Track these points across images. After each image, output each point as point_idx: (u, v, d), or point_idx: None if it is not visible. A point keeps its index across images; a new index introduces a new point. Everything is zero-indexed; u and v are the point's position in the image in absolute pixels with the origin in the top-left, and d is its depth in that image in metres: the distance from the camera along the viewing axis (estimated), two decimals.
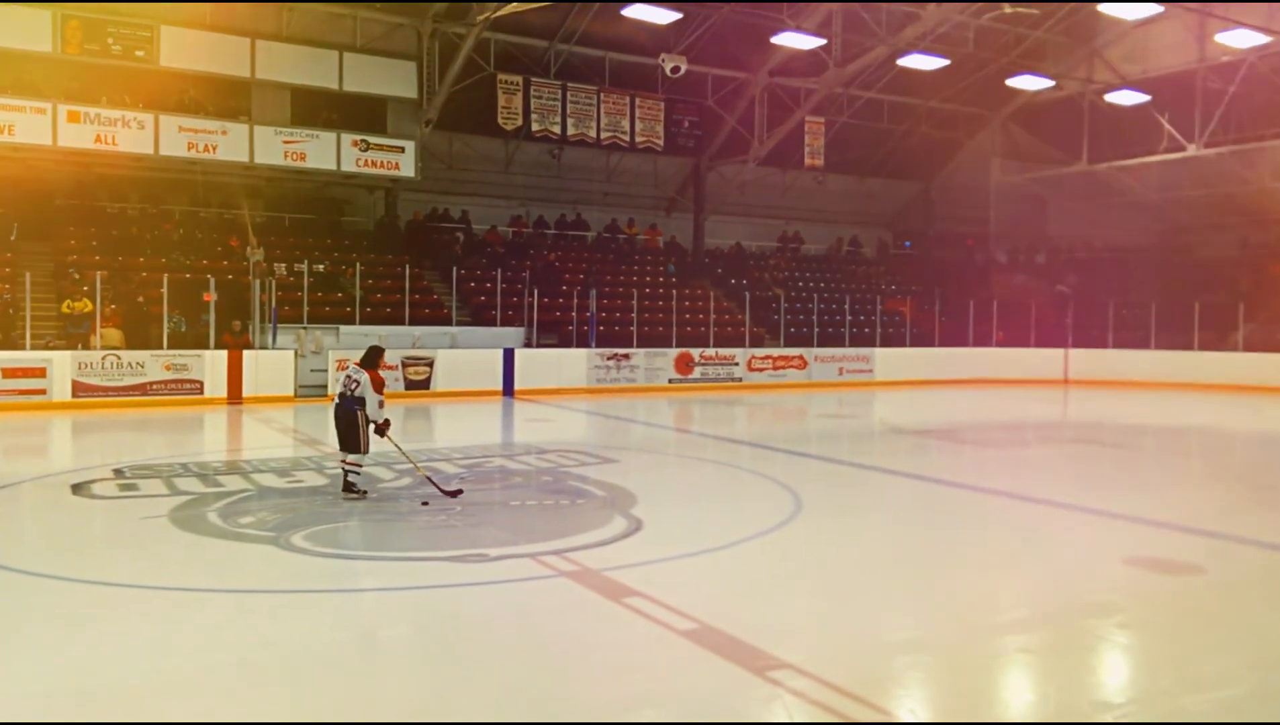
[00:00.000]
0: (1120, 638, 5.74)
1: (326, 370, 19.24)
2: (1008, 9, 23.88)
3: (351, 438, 9.11)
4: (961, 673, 5.13)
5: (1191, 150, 26.13)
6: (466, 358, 21.05)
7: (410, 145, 22.88)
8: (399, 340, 20.23)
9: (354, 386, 9.10)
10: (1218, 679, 4.99)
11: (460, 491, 9.30)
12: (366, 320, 21.00)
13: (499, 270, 23.34)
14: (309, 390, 19.22)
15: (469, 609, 6.14)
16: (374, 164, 22.58)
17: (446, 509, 8.80)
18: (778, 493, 10.03)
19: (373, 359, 9.29)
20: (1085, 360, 27.32)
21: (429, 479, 9.48)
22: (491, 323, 22.63)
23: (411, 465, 9.82)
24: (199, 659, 5.10)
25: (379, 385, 9.10)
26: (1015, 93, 28.94)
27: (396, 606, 6.25)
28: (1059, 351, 27.78)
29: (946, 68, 25.41)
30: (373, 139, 22.55)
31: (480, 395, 20.38)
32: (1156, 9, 21.27)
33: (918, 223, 34.67)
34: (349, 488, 9.17)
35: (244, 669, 4.98)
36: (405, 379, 19.77)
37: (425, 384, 20.10)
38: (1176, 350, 26.15)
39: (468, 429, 16.49)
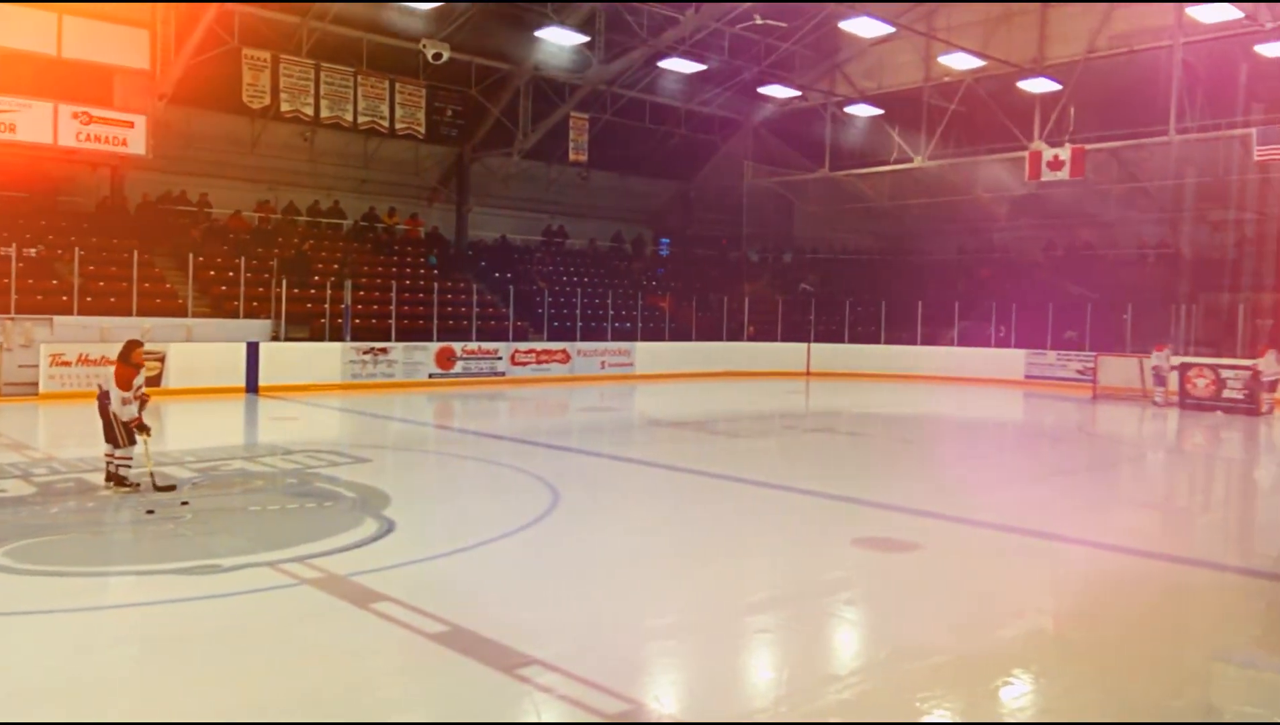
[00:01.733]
0: (848, 613, 6.18)
1: (38, 366, 17.24)
2: (759, 20, 25.17)
3: (110, 431, 9.06)
4: (705, 657, 5.32)
5: (917, 162, 28.67)
6: (204, 352, 19.52)
7: (140, 120, 20.85)
8: (126, 332, 18.32)
9: (106, 380, 9.10)
10: (929, 648, 5.46)
11: (174, 486, 9.09)
12: (87, 310, 19.00)
13: (243, 258, 21.82)
14: (16, 388, 17.14)
15: (200, 625, 5.66)
16: (98, 139, 20.40)
17: (175, 517, 8.10)
18: (536, 488, 10.01)
19: (123, 353, 9.23)
20: (825, 354, 29.37)
21: (151, 475, 9.05)
22: (234, 314, 21.12)
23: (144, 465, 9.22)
24: None
25: (124, 380, 8.95)
26: (766, 100, 30.55)
27: (117, 627, 5.67)
28: (803, 346, 29.68)
29: (704, 72, 26.41)
30: (96, 111, 20.36)
31: (220, 392, 18.97)
32: (888, 29, 23.08)
33: (677, 221, 35.87)
34: (120, 481, 9.03)
35: None
36: None
37: (156, 381, 18.41)
38: (902, 345, 28.70)
39: (204, 429, 15.29)
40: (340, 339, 21.78)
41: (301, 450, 12.21)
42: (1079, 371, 24.74)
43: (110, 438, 9.08)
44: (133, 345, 9.29)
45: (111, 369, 9.00)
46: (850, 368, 28.47)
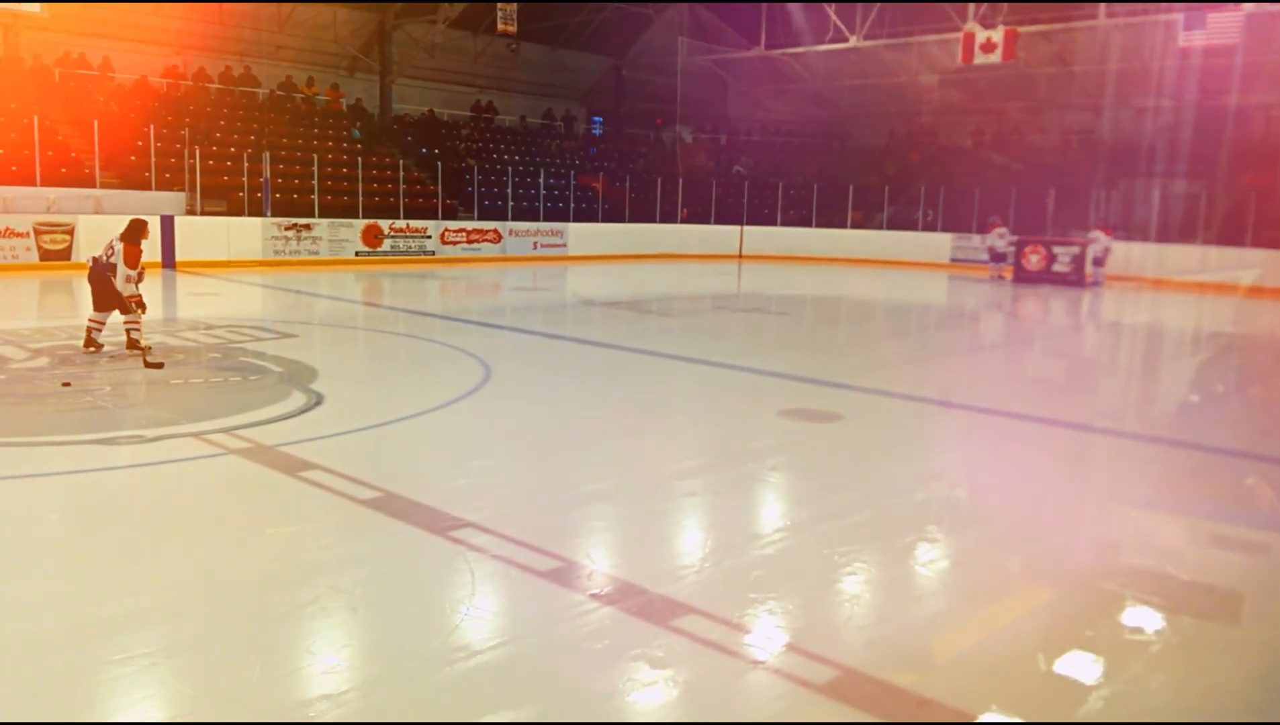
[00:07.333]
0: (773, 478, 6.38)
1: None
2: None
3: (105, 297, 9.42)
4: (636, 519, 5.47)
5: (853, 42, 28.29)
6: (115, 225, 18.47)
7: None
8: (30, 203, 17.57)
9: (110, 253, 9.42)
10: (847, 509, 5.70)
11: (162, 364, 9.05)
12: None
13: (152, 126, 20.75)
14: None
15: (124, 492, 5.62)
16: None
17: (92, 390, 7.91)
18: (468, 363, 9.99)
19: (131, 233, 9.50)
20: (757, 237, 29.43)
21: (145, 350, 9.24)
22: (145, 186, 20.21)
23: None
24: None
25: (132, 258, 9.37)
26: None
27: (40, 493, 5.57)
28: (735, 228, 29.67)
29: None
30: None
31: None
32: None
33: (610, 99, 35.03)
34: (134, 344, 9.40)
35: None
36: (40, 249, 17.28)
37: (65, 255, 17.70)
38: (833, 228, 28.88)
39: None
40: (260, 214, 21.07)
41: (224, 325, 11.93)
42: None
43: (102, 306, 9.46)
44: (140, 225, 9.61)
45: (120, 248, 9.33)
46: (782, 251, 28.62)
